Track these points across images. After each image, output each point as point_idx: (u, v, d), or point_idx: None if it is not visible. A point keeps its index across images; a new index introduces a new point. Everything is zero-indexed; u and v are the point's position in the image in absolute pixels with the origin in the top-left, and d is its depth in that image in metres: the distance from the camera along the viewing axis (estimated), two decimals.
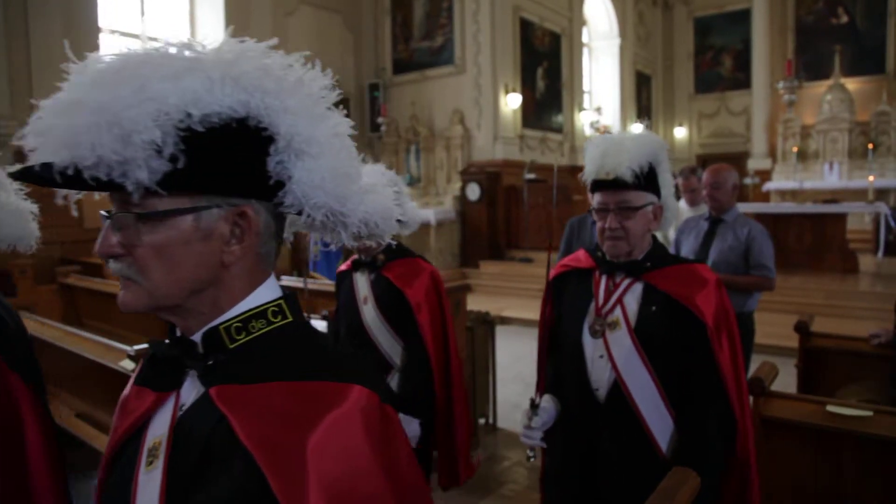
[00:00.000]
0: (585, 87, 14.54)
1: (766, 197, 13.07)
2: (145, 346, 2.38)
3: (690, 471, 1.33)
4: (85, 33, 8.30)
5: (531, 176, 10.84)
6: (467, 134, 11.40)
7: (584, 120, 13.88)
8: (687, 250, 3.42)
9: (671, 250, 3.40)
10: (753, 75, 14.59)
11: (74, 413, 3.40)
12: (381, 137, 12.06)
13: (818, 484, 2.05)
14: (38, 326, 3.71)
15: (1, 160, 8.18)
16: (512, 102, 11.38)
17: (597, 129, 14.75)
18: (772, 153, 14.13)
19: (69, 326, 3.70)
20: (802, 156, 13.19)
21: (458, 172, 11.21)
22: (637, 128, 16.45)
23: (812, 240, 9.10)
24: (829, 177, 12.74)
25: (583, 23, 14.15)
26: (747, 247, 3.24)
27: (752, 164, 14.31)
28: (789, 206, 9.85)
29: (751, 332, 3.36)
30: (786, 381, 2.79)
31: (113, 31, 9.09)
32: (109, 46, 8.94)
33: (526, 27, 11.91)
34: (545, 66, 12.52)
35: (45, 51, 7.79)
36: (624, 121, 15.51)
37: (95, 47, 8.61)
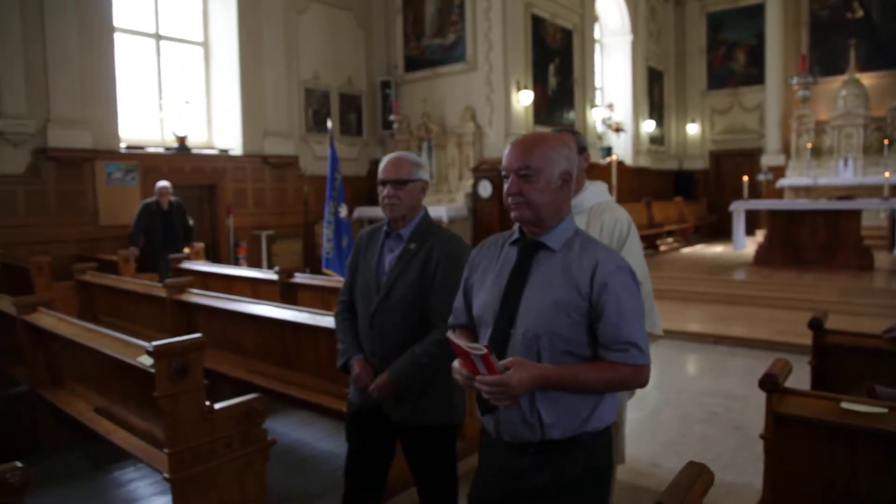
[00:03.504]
0: (597, 83, 14.47)
1: (779, 193, 12.98)
2: (163, 342, 2.42)
3: (704, 465, 1.33)
4: (99, 33, 8.37)
5: None
6: (479, 131, 11.40)
7: (596, 116, 13.84)
8: (481, 305, 1.75)
9: (457, 303, 1.90)
10: (767, 71, 14.47)
11: (93, 408, 3.45)
12: (393, 135, 12.08)
13: (832, 480, 2.05)
14: (57, 322, 3.77)
15: (19, 158, 8.32)
16: (524, 99, 11.36)
17: (609, 126, 14.72)
18: (785, 149, 14.01)
19: (86, 322, 3.75)
20: (817, 152, 13.07)
21: (470, 169, 11.21)
22: (649, 125, 16.45)
23: (826, 236, 9.03)
24: (844, 173, 12.62)
25: (594, 19, 14.09)
26: (595, 304, 1.60)
27: (766, 161, 14.21)
28: (803, 203, 9.77)
29: (606, 479, 1.71)
30: (800, 378, 2.78)
31: (127, 31, 9.16)
32: (123, 45, 9.02)
33: (537, 24, 11.88)
34: (557, 62, 12.48)
35: (61, 51, 7.87)
36: (636, 117, 15.45)
37: (110, 47, 8.74)
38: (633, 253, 2.55)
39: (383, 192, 2.32)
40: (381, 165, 2.36)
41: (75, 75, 8.03)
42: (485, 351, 1.47)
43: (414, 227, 2.35)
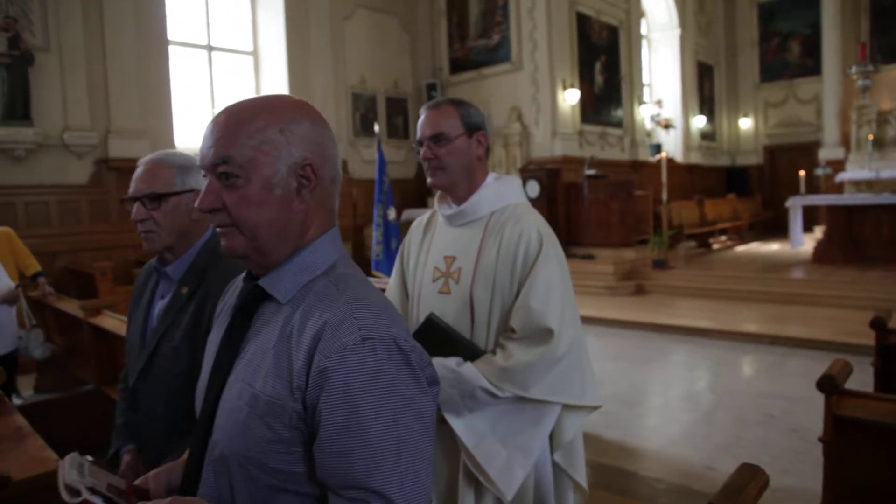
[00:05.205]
0: (645, 79, 14.23)
1: (839, 188, 12.49)
2: None
3: (759, 466, 1.31)
4: (156, 47, 8.70)
5: (591, 171, 10.71)
6: (525, 131, 11.36)
7: (644, 113, 13.61)
8: (199, 387, 1.08)
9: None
10: (824, 61, 13.94)
11: None
12: None
13: (894, 485, 1.98)
14: (119, 325, 3.93)
15: (83, 169, 8.67)
16: (570, 98, 11.27)
17: (658, 123, 14.46)
18: (845, 142, 13.46)
19: None
20: (879, 143, 12.51)
21: (518, 170, 11.18)
22: (700, 120, 16.09)
23: (890, 232, 8.67)
24: None
25: (641, 14, 13.86)
26: (311, 408, 0.86)
27: (824, 154, 13.69)
28: (865, 198, 9.38)
29: None
30: (862, 380, 2.68)
31: (180, 43, 9.48)
32: (177, 57, 9.34)
33: (582, 21, 11.77)
34: (603, 60, 12.33)
35: (120, 64, 8.20)
36: (686, 113, 15.12)
37: (165, 60, 9.03)
38: (545, 284, 1.68)
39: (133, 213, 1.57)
40: (135, 174, 1.58)
41: (134, 88, 8.35)
42: (81, 498, 0.91)
43: (188, 264, 1.57)
